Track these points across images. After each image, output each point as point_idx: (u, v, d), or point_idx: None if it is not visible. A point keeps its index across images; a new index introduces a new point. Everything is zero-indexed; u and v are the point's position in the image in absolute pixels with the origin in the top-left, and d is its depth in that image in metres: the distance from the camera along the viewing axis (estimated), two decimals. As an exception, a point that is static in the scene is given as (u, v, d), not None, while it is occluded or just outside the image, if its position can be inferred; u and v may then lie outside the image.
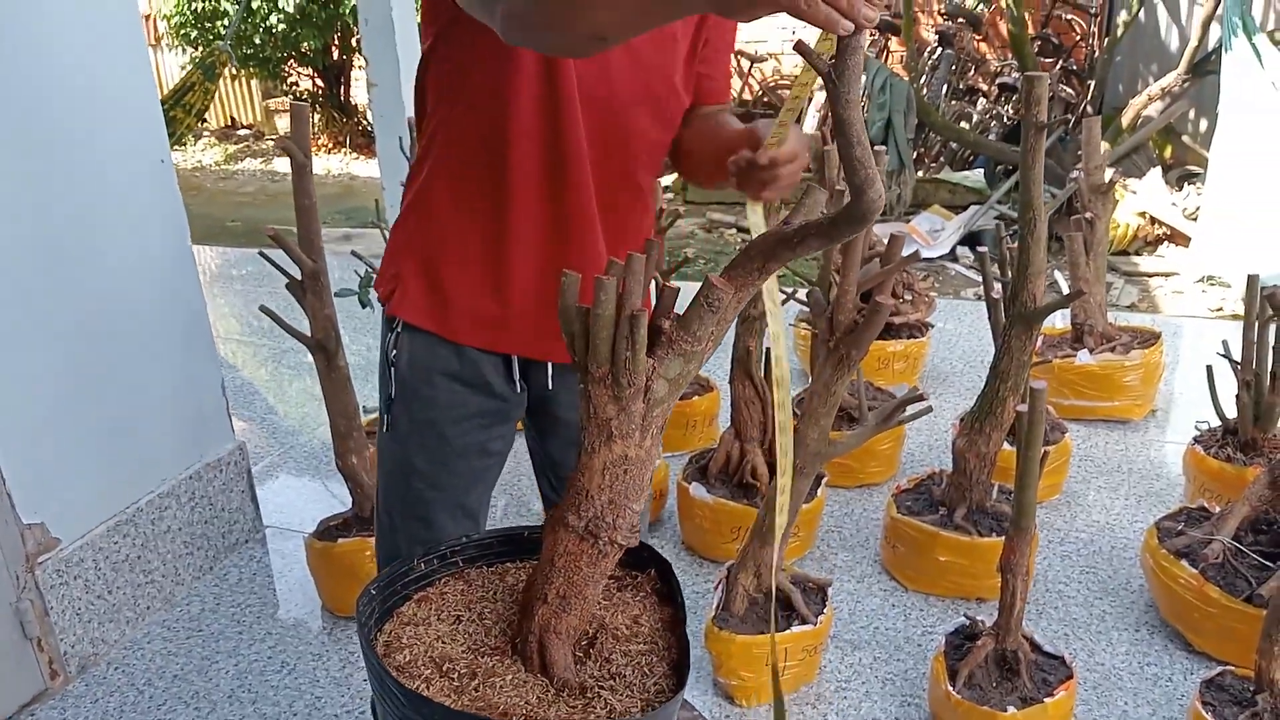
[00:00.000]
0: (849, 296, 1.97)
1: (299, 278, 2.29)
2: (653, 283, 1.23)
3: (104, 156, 2.29)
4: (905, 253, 2.19)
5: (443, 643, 1.30)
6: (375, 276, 1.62)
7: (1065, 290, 4.48)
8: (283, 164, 9.43)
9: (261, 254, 2.38)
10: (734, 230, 6.58)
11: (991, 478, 2.47)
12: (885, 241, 3.34)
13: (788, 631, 2.10)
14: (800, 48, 1.00)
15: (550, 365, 1.60)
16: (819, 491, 2.63)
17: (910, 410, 1.99)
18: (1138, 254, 5.72)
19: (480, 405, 1.57)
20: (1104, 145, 3.43)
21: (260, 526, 2.86)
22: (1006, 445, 2.63)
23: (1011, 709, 1.92)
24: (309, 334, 2.33)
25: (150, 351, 2.45)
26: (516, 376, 1.60)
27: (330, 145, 9.71)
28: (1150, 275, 5.44)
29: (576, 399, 1.63)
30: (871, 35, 6.95)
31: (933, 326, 3.66)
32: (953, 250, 5.68)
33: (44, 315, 2.17)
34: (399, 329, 1.54)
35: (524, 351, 1.57)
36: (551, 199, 1.47)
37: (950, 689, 1.98)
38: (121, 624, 2.42)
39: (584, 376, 1.23)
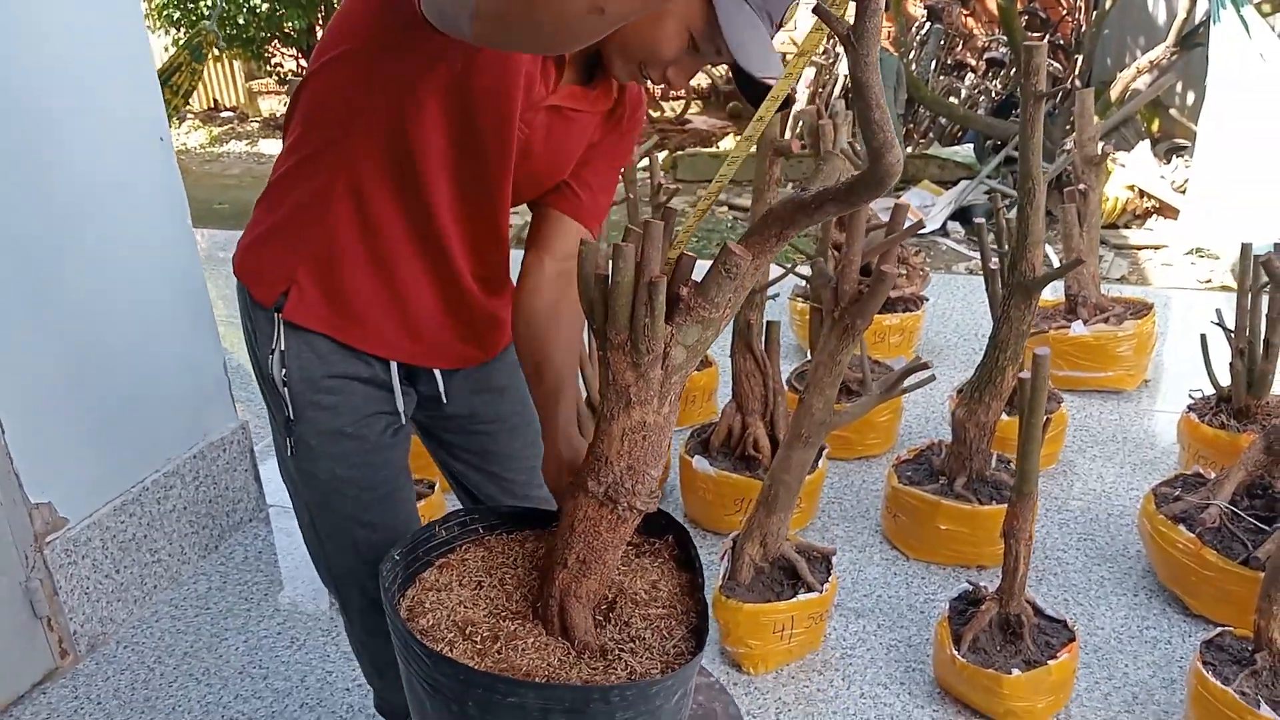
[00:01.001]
0: (853, 267, 1.99)
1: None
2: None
3: (103, 134, 2.28)
4: (908, 223, 2.20)
5: (465, 607, 1.32)
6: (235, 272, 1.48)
7: (1056, 264, 4.51)
8: (269, 145, 9.38)
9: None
10: (725, 208, 6.59)
11: (991, 447, 2.50)
12: (879, 217, 3.36)
13: (794, 599, 2.13)
14: (820, 10, 1.01)
15: (438, 372, 1.54)
16: (819, 463, 2.65)
17: (913, 379, 2.01)
18: (1126, 227, 5.76)
19: (382, 402, 1.49)
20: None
21: (264, 505, 2.87)
22: (1005, 415, 2.66)
23: (1016, 671, 1.96)
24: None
25: (152, 331, 2.45)
26: (422, 380, 1.54)
27: (316, 126, 9.62)
28: (1139, 248, 5.48)
29: (465, 393, 1.60)
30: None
31: (927, 300, 3.69)
32: (943, 225, 5.71)
33: (47, 296, 2.17)
34: (282, 342, 1.41)
35: (424, 362, 1.51)
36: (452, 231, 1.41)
37: (955, 653, 2.01)
38: (129, 603, 2.43)
39: (602, 344, 1.24)
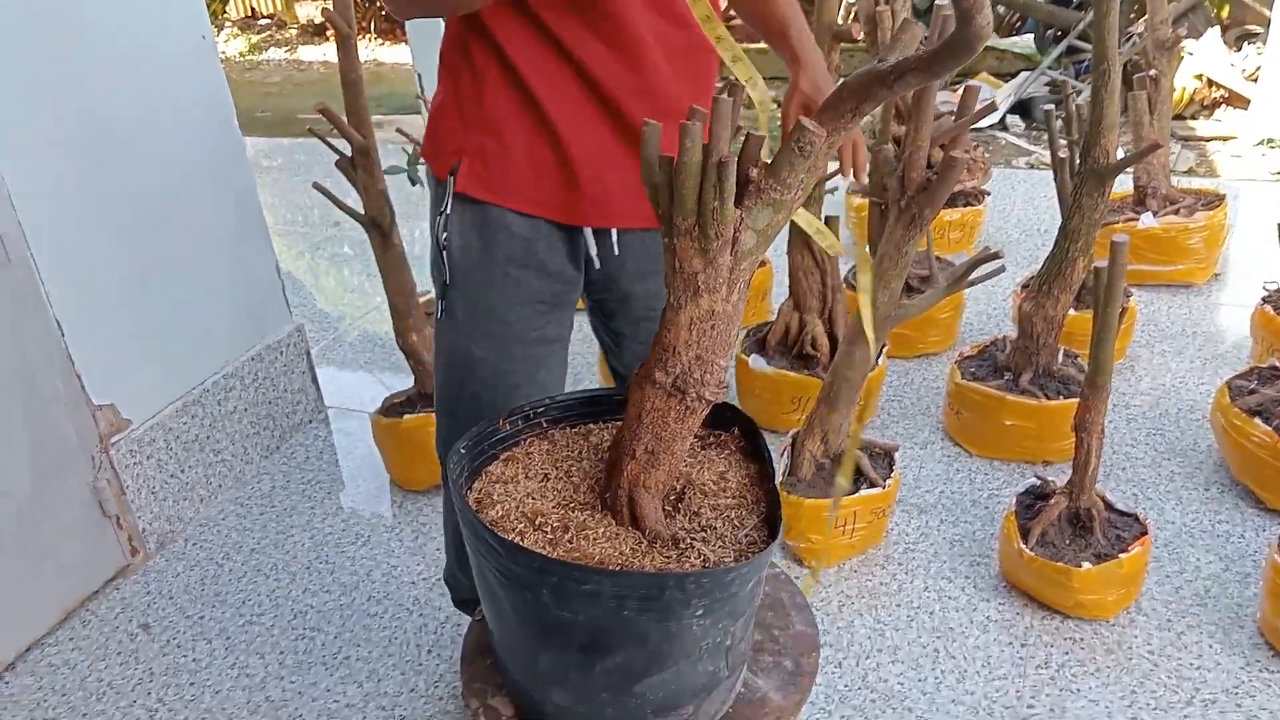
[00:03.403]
0: (921, 152, 1.91)
1: (347, 155, 2.25)
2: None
3: (146, 34, 2.24)
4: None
5: (533, 499, 1.31)
6: (421, 154, 1.55)
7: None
8: (308, 52, 9.27)
9: (310, 130, 2.33)
10: (776, 105, 6.41)
11: (1058, 341, 2.44)
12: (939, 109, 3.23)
13: (856, 495, 2.11)
14: None
15: (615, 233, 1.53)
16: (879, 361, 2.60)
17: (983, 270, 1.94)
18: (1193, 118, 5.53)
19: (539, 288, 1.51)
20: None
21: (322, 406, 2.89)
22: (1072, 310, 2.58)
23: (1086, 564, 1.93)
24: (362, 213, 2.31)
25: (204, 233, 2.45)
26: (588, 251, 1.52)
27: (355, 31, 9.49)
28: (1207, 139, 5.26)
29: (643, 266, 1.60)
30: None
31: (989, 194, 3.57)
32: (1002, 119, 5.51)
33: (100, 204, 2.16)
34: (449, 209, 1.46)
35: (591, 220, 1.50)
36: (613, 55, 1.39)
37: (1023, 546, 1.98)
38: (195, 501, 2.48)
39: (668, 230, 1.19)
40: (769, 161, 1.15)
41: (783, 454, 2.21)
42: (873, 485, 2.13)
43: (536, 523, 1.27)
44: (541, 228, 1.48)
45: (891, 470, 2.18)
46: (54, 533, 2.12)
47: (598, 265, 1.55)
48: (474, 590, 1.72)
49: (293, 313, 2.78)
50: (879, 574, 2.15)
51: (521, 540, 1.24)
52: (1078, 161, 2.33)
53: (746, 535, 1.28)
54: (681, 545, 1.26)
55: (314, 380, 2.86)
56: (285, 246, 4.34)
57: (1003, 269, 1.95)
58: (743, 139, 1.18)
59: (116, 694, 1.98)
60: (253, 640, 2.09)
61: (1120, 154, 2.32)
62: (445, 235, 1.47)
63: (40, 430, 2.07)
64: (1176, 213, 3.24)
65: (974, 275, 1.96)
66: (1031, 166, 4.85)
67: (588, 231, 1.51)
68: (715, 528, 1.29)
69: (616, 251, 1.55)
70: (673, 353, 1.23)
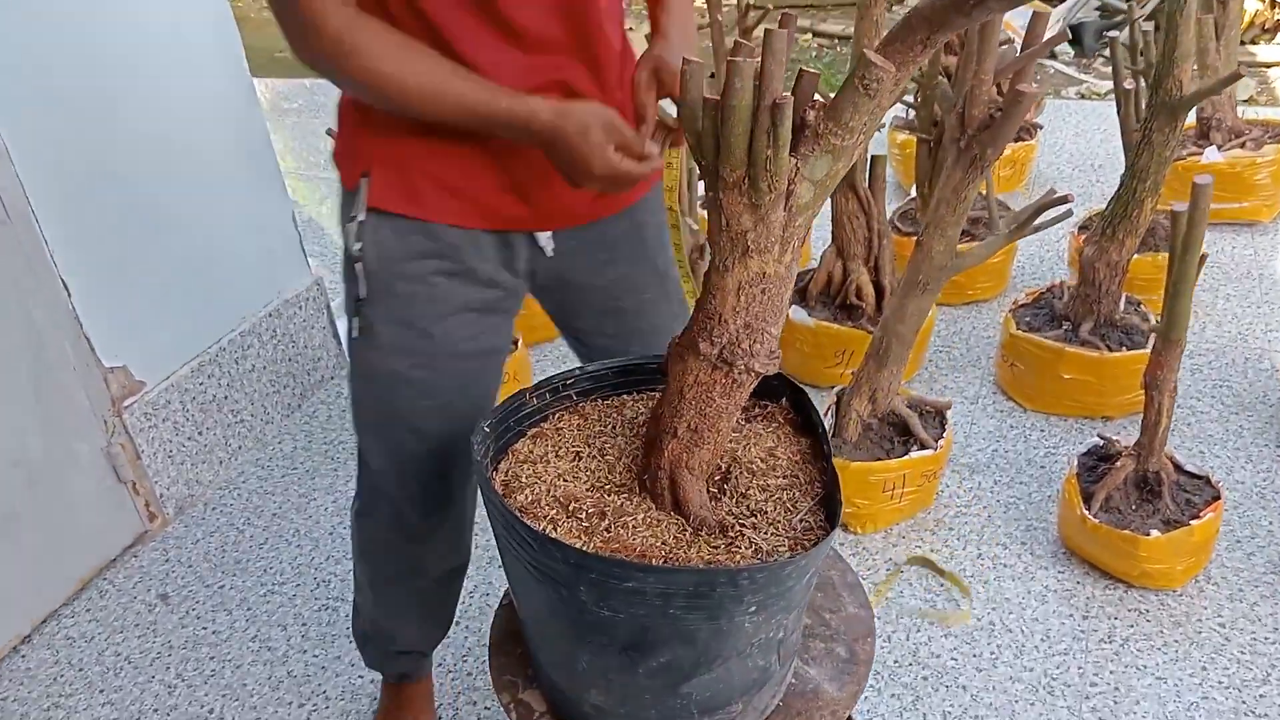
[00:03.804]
0: (984, 87, 1.74)
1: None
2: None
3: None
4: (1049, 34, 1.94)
5: (565, 481, 1.20)
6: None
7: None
8: (327, -11, 9.00)
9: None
10: (809, 35, 6.17)
11: (1122, 288, 2.28)
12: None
13: (905, 457, 1.99)
14: None
15: (550, 234, 1.36)
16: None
17: (1049, 215, 1.79)
18: (1254, 42, 5.25)
19: (469, 297, 1.35)
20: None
21: (345, 362, 2.79)
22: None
23: (1155, 532, 1.80)
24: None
25: (215, 183, 2.32)
26: (522, 256, 1.36)
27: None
28: (1269, 65, 5.00)
29: (598, 257, 1.44)
30: None
31: (1040, 127, 3.38)
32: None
33: (103, 156, 2.04)
34: (361, 217, 1.28)
35: (524, 223, 1.33)
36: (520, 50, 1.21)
37: (1085, 512, 1.86)
38: (215, 464, 2.39)
39: (712, 184, 1.05)
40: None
41: (826, 413, 2.09)
42: (923, 447, 2.00)
43: (570, 509, 1.16)
44: (468, 235, 1.31)
45: (943, 430, 2.05)
46: (68, 501, 2.04)
47: (539, 270, 1.40)
48: (411, 639, 1.62)
49: (311, 264, 2.67)
50: (929, 540, 2.04)
51: (554, 529, 1.13)
52: (1145, 93, 2.15)
53: (801, 520, 1.16)
54: (730, 533, 1.14)
55: (335, 335, 2.75)
56: (306, 192, 4.21)
57: (1069, 213, 1.79)
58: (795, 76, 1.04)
59: (134, 669, 1.91)
60: (274, 611, 2.02)
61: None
62: (359, 245, 1.29)
63: (50, 395, 1.98)
64: (1242, 146, 3.05)
65: (1039, 220, 1.81)
66: (1082, 97, 4.62)
67: (523, 235, 1.35)
68: (766, 512, 1.17)
69: (549, 254, 1.38)
70: (718, 320, 1.09)
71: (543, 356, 2.79)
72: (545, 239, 1.37)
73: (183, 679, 1.88)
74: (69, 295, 1.98)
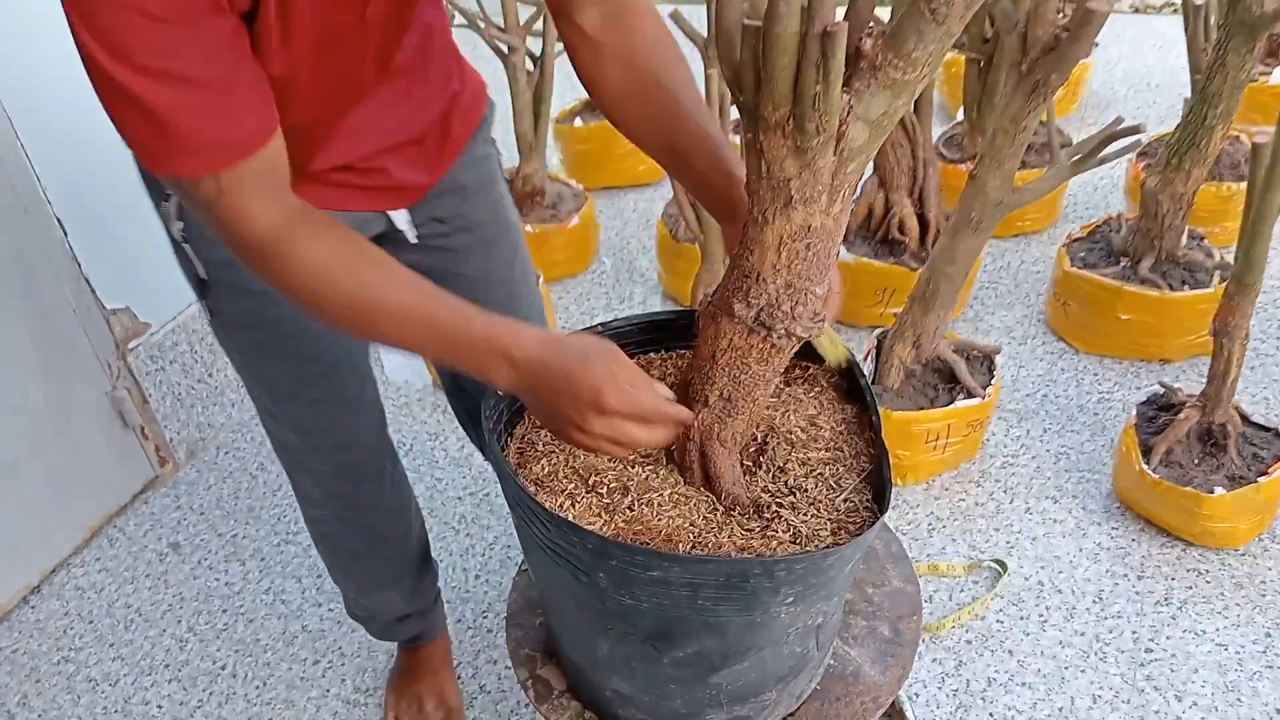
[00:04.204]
0: (1050, 4, 1.58)
1: None
2: None
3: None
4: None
5: (584, 450, 1.09)
6: None
7: None
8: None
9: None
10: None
11: (1186, 221, 2.12)
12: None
13: (951, 406, 1.86)
14: None
15: (406, 213, 1.21)
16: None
17: (1118, 145, 1.63)
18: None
19: None
20: None
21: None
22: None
23: (1219, 490, 1.68)
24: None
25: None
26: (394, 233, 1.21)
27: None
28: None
29: (478, 235, 1.28)
30: None
31: (1096, 44, 3.15)
32: (1101, -45, 4.96)
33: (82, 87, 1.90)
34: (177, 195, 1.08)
35: (368, 204, 1.17)
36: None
37: (1145, 466, 1.74)
38: (226, 406, 2.31)
39: (751, 124, 0.92)
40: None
41: (866, 357, 1.96)
42: (970, 395, 1.88)
43: (590, 482, 1.05)
44: None
45: (991, 376, 1.93)
46: (74, 448, 1.97)
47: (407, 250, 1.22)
48: (399, 605, 1.54)
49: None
50: (974, 492, 1.93)
51: (573, 505, 1.03)
52: (1216, 8, 1.97)
53: (845, 500, 1.05)
54: (766, 513, 1.03)
55: (349, 269, 2.64)
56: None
57: (1140, 145, 1.64)
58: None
59: (145, 622, 1.86)
60: (288, 562, 1.95)
61: None
62: (181, 226, 1.14)
63: (49, 340, 1.89)
64: (1316, 64, 2.83)
65: (1105, 152, 1.65)
66: (1136, 10, 4.35)
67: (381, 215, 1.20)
68: (806, 489, 1.06)
69: (414, 239, 1.23)
70: (756, 279, 0.97)
71: (565, 293, 2.66)
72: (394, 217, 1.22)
73: (194, 632, 1.83)
74: (65, 234, 1.88)
